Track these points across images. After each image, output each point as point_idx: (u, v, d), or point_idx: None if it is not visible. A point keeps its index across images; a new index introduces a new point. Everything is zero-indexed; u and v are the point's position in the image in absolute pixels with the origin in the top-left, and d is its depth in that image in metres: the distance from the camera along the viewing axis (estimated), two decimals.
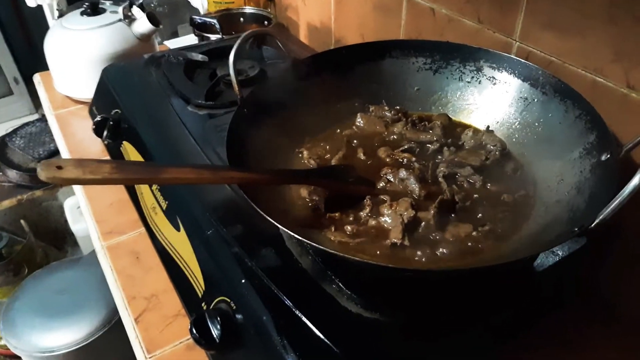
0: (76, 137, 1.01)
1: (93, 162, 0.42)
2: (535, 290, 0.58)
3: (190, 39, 1.23)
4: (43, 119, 1.78)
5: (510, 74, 0.65)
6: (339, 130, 0.68)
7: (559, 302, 0.62)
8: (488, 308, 0.54)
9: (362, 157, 0.64)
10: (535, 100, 0.62)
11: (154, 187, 0.72)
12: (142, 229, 0.78)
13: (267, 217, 0.47)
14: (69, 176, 0.41)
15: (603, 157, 0.51)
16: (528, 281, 0.58)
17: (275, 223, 0.47)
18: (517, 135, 0.63)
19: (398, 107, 0.70)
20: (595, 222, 0.43)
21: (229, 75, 0.61)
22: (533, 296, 0.58)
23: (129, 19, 1.04)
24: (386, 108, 0.69)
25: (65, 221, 1.61)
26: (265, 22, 1.15)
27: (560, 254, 0.58)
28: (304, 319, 0.51)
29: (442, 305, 0.53)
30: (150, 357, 0.63)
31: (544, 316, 0.61)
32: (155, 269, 0.72)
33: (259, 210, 0.47)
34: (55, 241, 1.78)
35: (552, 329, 0.61)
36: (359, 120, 0.69)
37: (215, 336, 0.54)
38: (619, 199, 0.42)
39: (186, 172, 0.45)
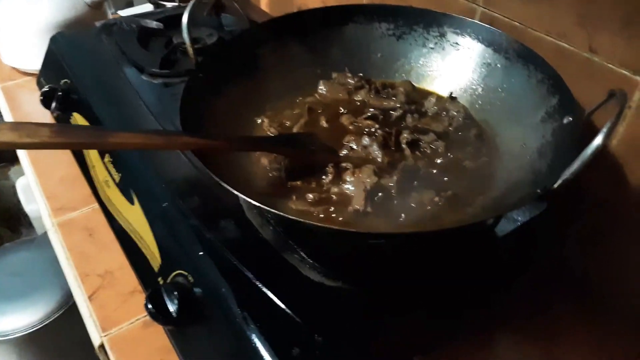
0: (23, 110, 0.95)
1: (31, 125, 0.39)
2: (496, 257, 0.59)
3: (146, 8, 1.17)
4: None
5: (474, 39, 0.63)
6: (300, 98, 0.66)
7: (522, 268, 0.62)
8: (450, 276, 0.53)
9: (325, 125, 0.62)
10: (498, 65, 0.61)
11: (106, 159, 0.69)
12: (96, 205, 0.74)
13: (225, 185, 0.44)
14: (4, 139, 0.37)
15: (565, 120, 0.51)
16: (490, 248, 0.59)
17: (235, 191, 0.44)
18: (480, 102, 0.63)
19: (361, 74, 0.68)
20: (557, 184, 0.43)
21: (185, 43, 0.58)
22: (495, 262, 0.58)
23: None
24: (349, 75, 0.67)
25: (18, 201, 1.54)
26: None
27: (520, 219, 0.58)
28: (264, 289, 0.50)
29: (404, 273, 0.52)
30: (105, 336, 0.60)
31: (507, 284, 0.62)
32: (110, 246, 0.69)
33: (216, 178, 0.45)
34: (8, 223, 1.71)
35: (517, 296, 0.62)
36: (322, 88, 0.67)
37: (172, 311, 0.52)
38: (580, 160, 0.42)
39: (135, 137, 0.42)
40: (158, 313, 0.52)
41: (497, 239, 0.58)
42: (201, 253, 0.54)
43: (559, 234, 0.65)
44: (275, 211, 0.44)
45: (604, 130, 0.41)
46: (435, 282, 0.53)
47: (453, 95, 0.64)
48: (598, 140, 0.41)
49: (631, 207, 0.57)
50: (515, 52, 0.59)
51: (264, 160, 0.56)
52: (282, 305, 0.48)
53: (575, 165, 0.42)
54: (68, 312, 1.12)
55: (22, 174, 1.56)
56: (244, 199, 0.45)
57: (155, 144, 0.43)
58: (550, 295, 0.62)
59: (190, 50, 0.57)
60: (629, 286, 0.60)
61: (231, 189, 0.44)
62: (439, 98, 0.64)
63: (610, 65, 0.55)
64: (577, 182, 0.60)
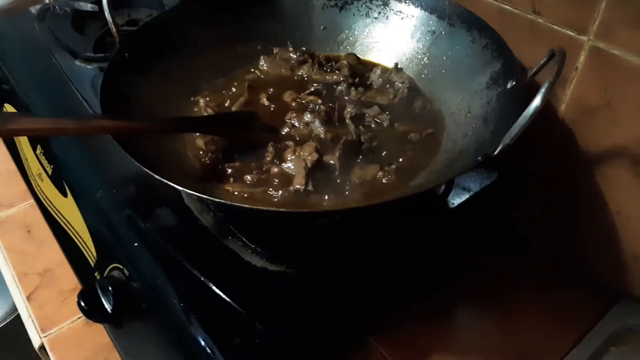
0: None
1: None
2: (449, 228, 0.57)
3: None
4: None
5: (417, 6, 0.61)
6: (240, 76, 0.62)
7: (474, 239, 0.61)
8: (402, 252, 0.52)
9: (266, 102, 0.59)
10: (443, 32, 0.59)
11: (38, 151, 0.64)
12: (32, 201, 0.70)
13: (155, 175, 0.41)
14: None
15: (509, 85, 0.49)
16: (442, 219, 0.57)
17: (166, 181, 0.40)
18: (425, 72, 0.60)
19: (304, 49, 0.65)
20: (497, 150, 0.41)
21: (122, 25, 0.54)
22: (447, 234, 0.56)
23: None
24: (291, 49, 0.64)
25: None
26: None
27: (473, 188, 0.57)
28: (204, 279, 0.47)
29: (352, 252, 0.50)
30: (45, 336, 0.57)
31: (460, 256, 0.60)
32: (49, 242, 0.65)
33: (145, 169, 0.41)
34: None
35: (470, 268, 0.60)
36: (262, 64, 0.63)
37: (107, 307, 0.49)
38: (519, 124, 0.40)
39: (41, 122, 0.38)
40: (93, 310, 0.49)
41: (449, 210, 0.56)
42: (136, 244, 0.51)
43: (512, 203, 0.64)
44: (212, 198, 0.42)
45: (542, 91, 0.39)
46: (386, 260, 0.51)
47: (399, 66, 0.62)
48: (536, 101, 0.39)
49: (582, 171, 0.56)
50: (459, 18, 0.57)
51: (199, 141, 0.53)
52: (223, 295, 0.46)
53: (515, 129, 0.40)
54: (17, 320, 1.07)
55: None
56: (171, 185, 0.42)
57: (66, 129, 0.39)
58: (504, 266, 0.61)
59: (112, 28, 0.53)
60: (584, 254, 0.59)
61: (164, 180, 0.41)
62: (384, 70, 0.62)
63: (554, 26, 0.53)
64: (530, 149, 0.59)
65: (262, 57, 0.64)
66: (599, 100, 0.52)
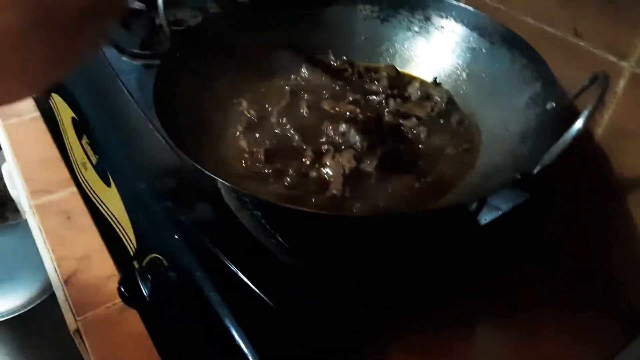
0: None
1: None
2: (476, 245, 0.58)
3: None
4: None
5: (459, 22, 0.62)
6: (282, 81, 0.64)
7: (503, 255, 0.61)
8: (428, 259, 0.53)
9: (306, 109, 0.61)
10: (483, 49, 0.60)
11: (84, 140, 0.67)
12: (74, 188, 0.73)
13: (202, 168, 0.43)
14: None
15: (548, 106, 0.50)
16: (471, 236, 0.58)
17: (211, 174, 0.43)
18: (464, 87, 0.62)
19: (344, 58, 0.67)
20: (536, 169, 0.42)
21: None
22: (475, 249, 0.57)
23: None
24: (332, 58, 0.66)
25: (5, 186, 1.52)
26: None
27: (503, 208, 0.57)
28: (239, 274, 0.49)
29: (380, 258, 0.51)
30: (80, 320, 0.59)
31: (485, 272, 0.61)
32: (88, 229, 0.68)
33: (192, 162, 0.44)
34: None
35: (495, 284, 0.61)
36: (304, 71, 0.65)
37: (145, 295, 0.51)
38: (560, 145, 0.41)
39: None
40: (131, 297, 0.51)
41: (479, 228, 0.57)
42: (176, 237, 0.53)
43: (541, 223, 0.65)
44: (253, 194, 0.44)
45: (584, 114, 0.40)
46: (413, 267, 0.52)
47: (437, 80, 0.63)
48: (578, 124, 0.40)
49: (615, 197, 0.56)
50: (500, 36, 0.58)
51: (242, 142, 0.55)
52: (256, 289, 0.47)
53: (555, 150, 0.41)
54: (51, 298, 1.11)
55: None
56: (221, 183, 0.44)
57: None
58: (529, 281, 0.61)
59: (166, 29, 0.55)
60: (613, 277, 0.59)
61: (208, 172, 0.43)
62: (423, 83, 0.63)
63: (595, 51, 0.54)
64: (563, 171, 0.60)
65: (304, 64, 0.65)
66: (637, 126, 0.52)
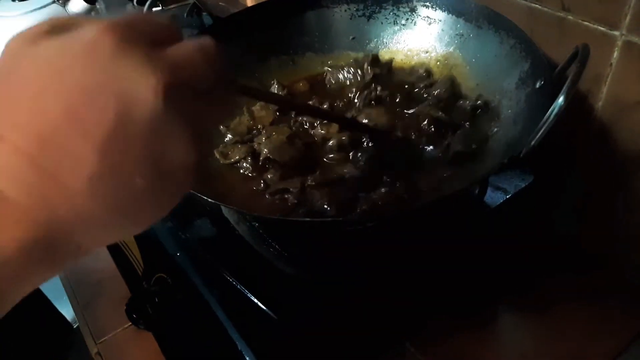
0: None
1: None
2: (487, 228, 0.56)
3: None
4: None
5: (444, 10, 0.61)
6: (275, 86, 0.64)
7: (513, 238, 0.59)
8: (437, 256, 0.52)
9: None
10: (471, 35, 0.59)
11: None
12: None
13: (202, 196, 0.44)
14: None
15: (537, 85, 0.49)
16: (479, 221, 0.56)
17: (211, 200, 0.43)
18: (456, 73, 0.60)
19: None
20: (523, 151, 0.41)
21: None
22: (485, 234, 0.56)
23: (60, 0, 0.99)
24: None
25: None
26: None
27: (511, 191, 0.56)
28: (239, 286, 0.49)
29: (385, 260, 0.51)
30: (99, 343, 0.61)
31: (499, 256, 0.59)
32: (102, 254, 0.69)
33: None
34: None
35: (510, 269, 0.59)
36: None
37: (153, 315, 0.52)
38: (546, 123, 0.39)
39: None
40: (140, 318, 0.52)
41: (487, 211, 0.56)
42: (178, 254, 0.53)
43: (552, 204, 0.63)
44: (257, 214, 0.44)
45: (564, 90, 0.39)
46: (423, 265, 0.51)
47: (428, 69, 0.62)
48: (559, 100, 0.39)
49: (623, 169, 0.54)
50: (486, 19, 0.57)
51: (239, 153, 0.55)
52: (257, 301, 0.48)
53: (539, 130, 0.40)
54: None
55: None
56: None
57: None
58: (546, 266, 0.59)
59: None
60: (631, 256, 0.57)
61: (207, 198, 0.44)
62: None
63: (585, 23, 0.52)
64: (568, 148, 0.58)
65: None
66: (637, 95, 0.50)
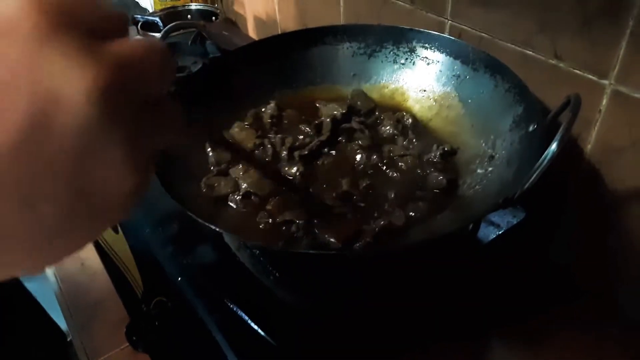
0: None
1: None
2: (481, 265, 0.58)
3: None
4: None
5: (442, 52, 0.64)
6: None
7: (506, 272, 0.61)
8: (431, 287, 0.53)
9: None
10: (467, 77, 0.62)
11: None
12: None
13: (201, 220, 0.45)
14: None
15: (530, 128, 0.51)
16: (472, 256, 0.58)
17: (213, 226, 0.45)
18: (451, 113, 0.63)
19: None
20: (517, 193, 0.43)
21: None
22: (478, 270, 0.58)
23: None
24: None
25: None
26: (213, 18, 1.13)
27: (503, 226, 0.58)
28: (239, 312, 0.50)
29: (380, 292, 0.52)
30: None
31: (493, 289, 0.61)
32: (100, 275, 0.70)
33: (193, 215, 0.45)
34: None
35: (504, 302, 0.61)
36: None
37: (152, 338, 0.53)
38: (539, 167, 0.42)
39: None
40: (139, 341, 0.53)
41: (481, 247, 0.58)
42: (179, 279, 0.55)
43: (545, 239, 0.65)
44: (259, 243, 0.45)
45: (558, 137, 0.41)
46: (417, 298, 0.53)
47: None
48: (553, 147, 0.41)
49: (612, 211, 0.57)
50: (483, 63, 0.60)
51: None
52: (257, 329, 0.49)
53: (533, 173, 0.42)
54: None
55: None
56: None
57: None
58: (540, 298, 0.61)
59: None
60: (624, 290, 0.59)
61: (209, 224, 0.45)
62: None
63: (576, 71, 0.55)
64: (559, 189, 0.61)
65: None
66: (624, 141, 0.53)
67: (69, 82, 0.17)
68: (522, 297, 0.61)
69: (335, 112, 0.63)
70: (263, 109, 0.64)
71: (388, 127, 0.62)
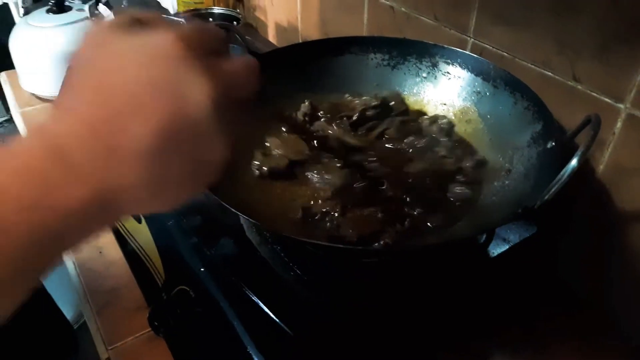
0: None
1: None
2: (489, 276, 0.60)
3: None
4: (12, 119, 1.75)
5: (464, 68, 0.67)
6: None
7: (514, 287, 0.64)
8: (441, 293, 0.56)
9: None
10: (487, 93, 0.64)
11: None
12: None
13: (229, 206, 0.47)
14: None
15: (549, 145, 0.54)
16: (481, 268, 0.60)
17: (240, 213, 0.47)
18: (471, 127, 0.65)
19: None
20: (537, 204, 0.45)
21: None
22: (486, 282, 0.60)
23: (95, 17, 1.04)
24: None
25: None
26: (234, 23, 1.16)
27: (512, 240, 0.60)
28: (260, 304, 0.52)
29: (392, 291, 0.54)
30: (110, 349, 0.62)
31: (499, 302, 0.63)
32: (118, 263, 0.72)
33: (221, 201, 0.47)
34: None
35: (509, 315, 0.63)
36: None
37: (173, 325, 0.55)
38: (559, 181, 0.44)
39: None
40: (161, 327, 0.55)
41: (490, 260, 0.60)
42: (202, 269, 0.57)
43: (552, 255, 0.67)
44: (274, 230, 0.47)
45: (578, 153, 0.43)
46: (427, 302, 0.55)
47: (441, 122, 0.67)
48: (573, 162, 0.43)
49: (619, 230, 0.59)
50: (503, 81, 0.62)
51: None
52: (276, 319, 0.51)
53: (555, 186, 0.44)
54: (82, 328, 1.14)
55: None
56: (244, 218, 0.48)
57: None
58: (542, 313, 0.63)
59: None
60: (629, 310, 0.61)
61: (235, 210, 0.47)
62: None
63: (593, 93, 0.57)
64: (569, 207, 0.63)
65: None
66: (636, 164, 0.55)
67: (196, 90, 0.26)
68: (526, 309, 0.63)
69: (372, 102, 0.67)
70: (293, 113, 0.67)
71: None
